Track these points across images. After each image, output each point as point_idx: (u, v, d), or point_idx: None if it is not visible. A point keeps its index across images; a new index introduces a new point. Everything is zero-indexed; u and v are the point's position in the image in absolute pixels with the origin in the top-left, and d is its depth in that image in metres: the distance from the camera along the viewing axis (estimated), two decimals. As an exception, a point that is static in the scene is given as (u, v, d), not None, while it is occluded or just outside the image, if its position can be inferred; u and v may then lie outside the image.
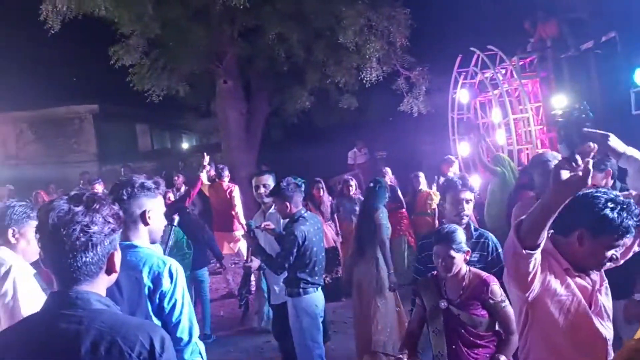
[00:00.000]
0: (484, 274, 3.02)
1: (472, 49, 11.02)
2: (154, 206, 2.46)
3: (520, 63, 10.49)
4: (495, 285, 2.92)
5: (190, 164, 14.95)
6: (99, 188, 8.91)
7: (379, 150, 15.22)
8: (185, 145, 23.81)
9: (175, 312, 2.30)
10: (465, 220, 3.43)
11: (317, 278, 4.37)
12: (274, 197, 4.46)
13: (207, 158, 7.79)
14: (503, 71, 10.75)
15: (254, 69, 13.00)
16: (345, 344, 5.68)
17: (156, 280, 2.29)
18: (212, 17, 11.66)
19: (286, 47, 11.69)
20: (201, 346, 2.44)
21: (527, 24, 10.79)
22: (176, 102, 14.06)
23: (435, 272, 3.15)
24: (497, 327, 2.99)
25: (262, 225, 4.55)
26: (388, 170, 8.89)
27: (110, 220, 1.53)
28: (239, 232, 7.82)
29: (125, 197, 2.37)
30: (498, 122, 10.49)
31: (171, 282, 2.30)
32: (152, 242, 2.46)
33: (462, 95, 11.89)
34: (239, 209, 8.34)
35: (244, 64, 12.92)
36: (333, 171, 12.26)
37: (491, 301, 2.91)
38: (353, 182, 7.88)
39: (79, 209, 1.49)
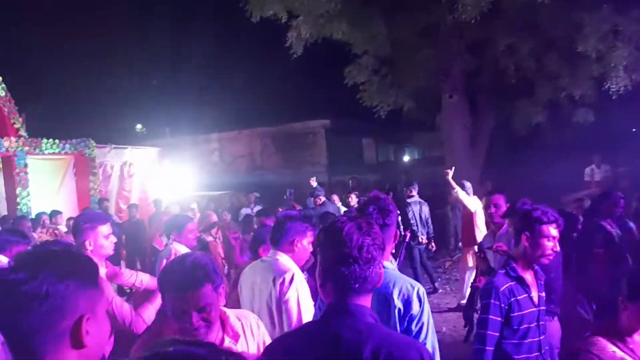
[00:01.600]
0: None
1: None
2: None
3: None
4: None
5: (411, 176, 15.21)
6: (354, 199, 9.34)
7: (620, 166, 13.61)
8: (407, 158, 24.24)
9: (421, 336, 2.34)
10: None
11: (552, 306, 4.09)
12: (510, 218, 4.31)
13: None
14: None
15: (480, 83, 12.71)
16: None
17: (406, 303, 2.33)
18: (440, 33, 11.74)
19: (516, 59, 11.20)
20: None
21: None
22: (401, 116, 14.45)
23: None
24: None
25: (494, 247, 4.42)
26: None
27: (378, 242, 1.67)
28: None
29: (380, 222, 2.48)
30: None
31: (420, 305, 2.34)
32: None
33: None
34: (480, 224, 7.90)
35: (470, 78, 12.73)
36: (566, 189, 11.33)
37: None
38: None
39: (365, 227, 1.66)
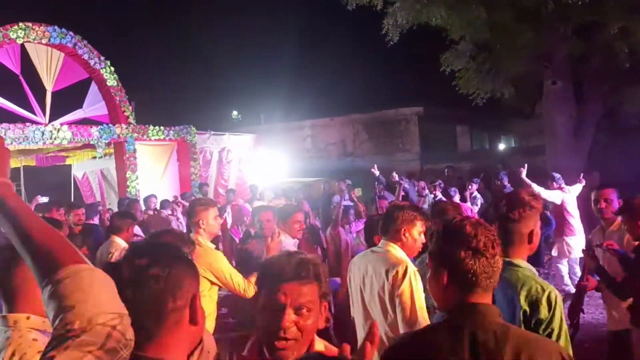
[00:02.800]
0: None
1: None
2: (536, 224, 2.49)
3: None
4: None
5: (508, 166, 14.63)
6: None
7: None
8: (502, 147, 23.38)
9: None
10: None
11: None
12: (623, 214, 4.05)
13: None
14: None
15: (588, 68, 11.95)
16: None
17: (534, 305, 2.22)
18: (543, 16, 11.15)
19: (630, 43, 10.43)
20: None
21: None
22: (497, 103, 13.93)
23: None
24: None
25: (604, 245, 4.18)
26: None
27: (497, 238, 1.71)
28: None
29: (516, 217, 2.42)
30: None
31: (549, 310, 2.21)
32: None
33: None
34: (573, 212, 7.91)
35: (576, 63, 12.01)
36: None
37: None
38: None
39: (484, 224, 1.71)
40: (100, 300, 1.00)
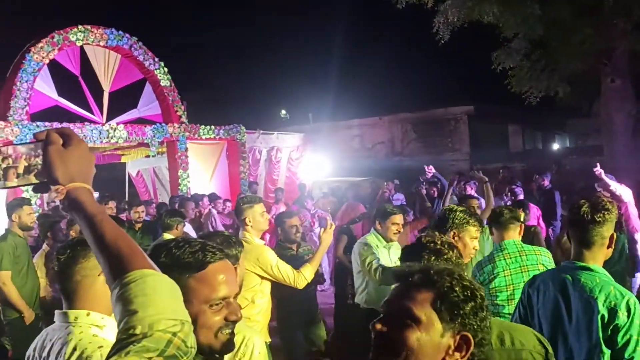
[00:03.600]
0: None
1: None
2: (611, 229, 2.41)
3: None
4: None
5: (563, 166, 14.17)
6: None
7: None
8: (557, 147, 22.67)
9: (629, 349, 2.20)
10: None
11: None
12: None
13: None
14: None
15: (649, 65, 11.45)
16: None
17: (612, 311, 2.23)
18: (603, 11, 10.74)
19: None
20: None
21: None
22: (552, 101, 13.53)
23: None
24: None
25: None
26: None
27: None
28: None
29: (600, 220, 2.38)
30: None
31: (628, 316, 2.20)
32: None
33: None
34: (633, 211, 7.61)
35: (636, 60, 11.51)
36: None
37: None
38: None
39: None
40: (163, 306, 1.00)
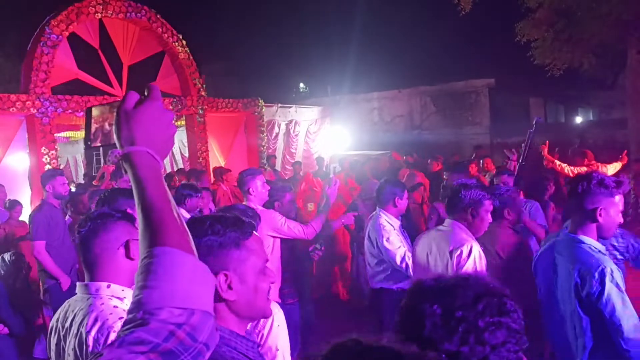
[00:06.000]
0: None
1: None
2: (607, 205, 2.41)
3: None
4: None
5: (586, 140, 13.91)
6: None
7: None
8: (579, 120, 22.25)
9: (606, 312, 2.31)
10: None
11: None
12: None
13: None
14: None
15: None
16: None
17: (585, 279, 2.37)
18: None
19: None
20: None
21: None
22: (575, 74, 13.22)
23: None
24: None
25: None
26: None
27: None
28: None
29: (579, 191, 2.44)
30: None
31: (600, 284, 2.32)
32: (602, 237, 2.44)
33: None
34: None
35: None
36: None
37: None
38: None
39: None
40: (173, 291, 0.91)
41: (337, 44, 25.37)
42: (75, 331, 1.78)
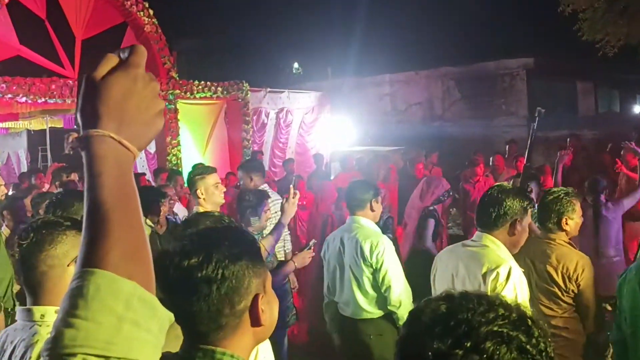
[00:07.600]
0: None
1: None
2: None
3: None
4: None
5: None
6: None
7: None
8: (638, 109, 22.32)
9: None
10: None
11: None
12: None
13: None
14: None
15: None
16: None
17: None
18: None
19: None
20: None
21: None
22: (632, 53, 13.30)
23: None
24: None
25: None
26: None
27: None
28: None
29: None
30: None
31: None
32: None
33: None
34: None
35: None
36: None
37: None
38: None
39: None
40: (92, 330, 0.88)
41: (340, 17, 25.40)
42: (17, 367, 1.77)
